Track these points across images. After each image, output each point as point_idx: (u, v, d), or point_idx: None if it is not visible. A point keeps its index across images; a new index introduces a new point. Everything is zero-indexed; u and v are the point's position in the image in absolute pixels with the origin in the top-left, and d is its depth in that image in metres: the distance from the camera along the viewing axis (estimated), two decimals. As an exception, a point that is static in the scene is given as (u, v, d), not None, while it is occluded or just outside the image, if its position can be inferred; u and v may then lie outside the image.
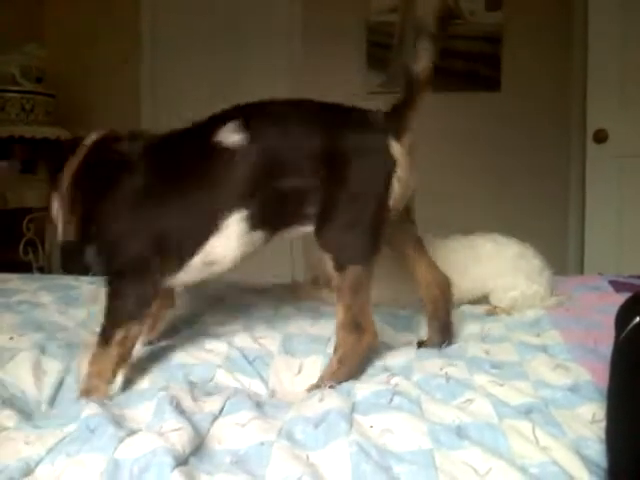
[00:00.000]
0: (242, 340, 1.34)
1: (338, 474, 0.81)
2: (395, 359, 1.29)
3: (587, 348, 1.26)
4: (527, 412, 0.98)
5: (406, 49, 3.69)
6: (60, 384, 1.19)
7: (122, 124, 4.46)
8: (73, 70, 3.84)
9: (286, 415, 0.98)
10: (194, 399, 1.03)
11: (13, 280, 1.90)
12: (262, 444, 0.88)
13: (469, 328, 1.49)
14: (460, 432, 0.91)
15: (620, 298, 1.17)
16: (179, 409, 0.96)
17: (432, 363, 1.22)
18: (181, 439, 0.85)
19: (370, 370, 1.24)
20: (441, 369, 1.17)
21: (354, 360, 1.21)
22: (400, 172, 1.22)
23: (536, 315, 1.55)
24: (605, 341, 1.09)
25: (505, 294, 1.63)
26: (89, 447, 0.84)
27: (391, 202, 1.22)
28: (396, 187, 1.22)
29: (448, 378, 1.12)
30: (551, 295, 1.65)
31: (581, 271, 3.48)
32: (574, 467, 0.83)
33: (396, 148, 1.22)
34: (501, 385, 1.10)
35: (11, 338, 1.34)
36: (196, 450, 0.86)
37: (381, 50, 3.74)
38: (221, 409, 1.00)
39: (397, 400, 1.01)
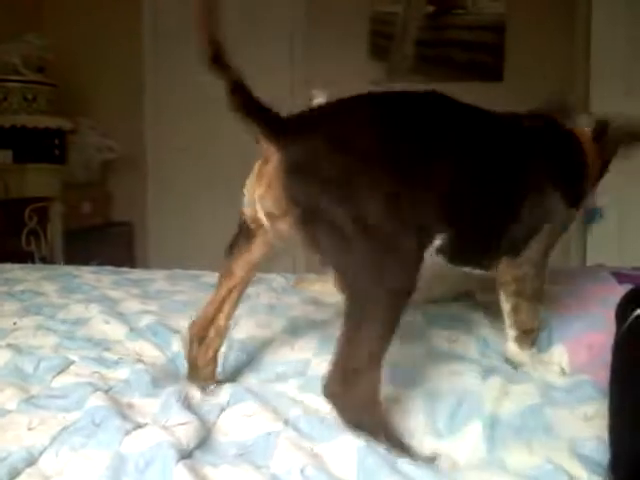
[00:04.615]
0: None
1: (343, 466, 0.81)
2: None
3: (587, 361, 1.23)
4: (523, 413, 0.97)
5: (408, 39, 3.68)
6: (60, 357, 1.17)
7: (124, 114, 4.43)
8: (75, 60, 3.83)
9: (290, 411, 0.97)
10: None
11: (15, 270, 1.91)
12: (269, 434, 0.88)
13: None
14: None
15: (622, 290, 1.16)
16: (186, 404, 0.95)
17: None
18: (187, 433, 0.85)
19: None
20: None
21: None
22: None
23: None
24: (604, 337, 1.08)
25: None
26: (94, 442, 0.84)
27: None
28: None
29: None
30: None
31: (583, 262, 3.48)
32: (571, 466, 0.82)
33: None
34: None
35: (14, 323, 1.39)
36: (202, 442, 0.86)
37: (384, 40, 3.72)
38: (228, 400, 1.00)
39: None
